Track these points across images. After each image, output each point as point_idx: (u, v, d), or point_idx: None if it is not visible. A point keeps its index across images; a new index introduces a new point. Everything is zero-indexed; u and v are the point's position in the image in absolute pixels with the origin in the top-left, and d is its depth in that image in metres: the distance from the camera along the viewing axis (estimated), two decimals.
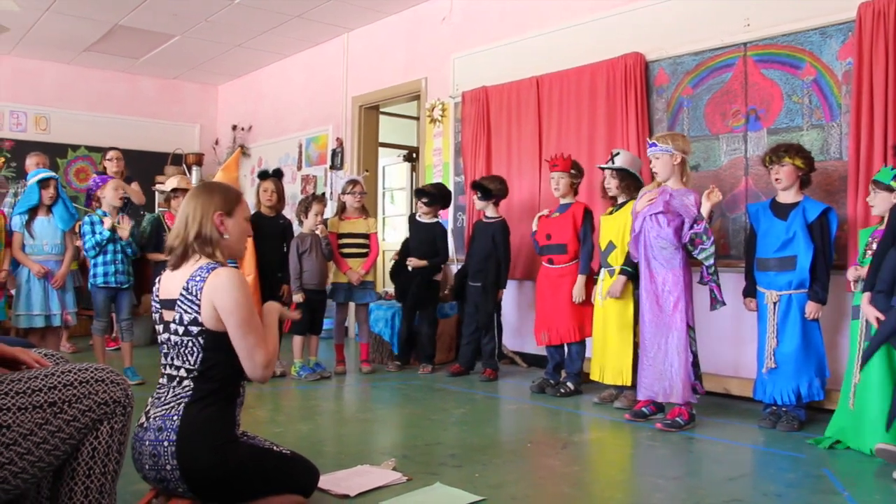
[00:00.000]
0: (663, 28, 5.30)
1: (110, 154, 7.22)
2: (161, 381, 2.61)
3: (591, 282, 5.11)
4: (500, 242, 5.67)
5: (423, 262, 5.94)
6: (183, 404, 2.48)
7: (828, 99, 4.49)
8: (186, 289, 2.50)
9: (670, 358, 4.12)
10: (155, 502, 2.58)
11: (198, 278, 2.50)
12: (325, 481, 2.93)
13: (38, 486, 2.23)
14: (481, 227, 5.80)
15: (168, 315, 2.56)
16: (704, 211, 4.06)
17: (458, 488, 2.99)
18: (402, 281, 6.18)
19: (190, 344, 2.50)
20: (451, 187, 6.86)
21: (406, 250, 6.13)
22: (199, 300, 2.48)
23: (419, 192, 6.23)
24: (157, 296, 2.65)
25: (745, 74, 4.85)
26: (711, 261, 4.11)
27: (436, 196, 6.10)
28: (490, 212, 5.76)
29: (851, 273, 3.88)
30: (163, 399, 2.54)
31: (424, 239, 6.04)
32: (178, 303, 2.51)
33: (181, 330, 2.51)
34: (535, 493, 3.04)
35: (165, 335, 2.58)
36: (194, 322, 2.49)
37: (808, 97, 4.57)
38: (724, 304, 4.22)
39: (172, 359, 2.55)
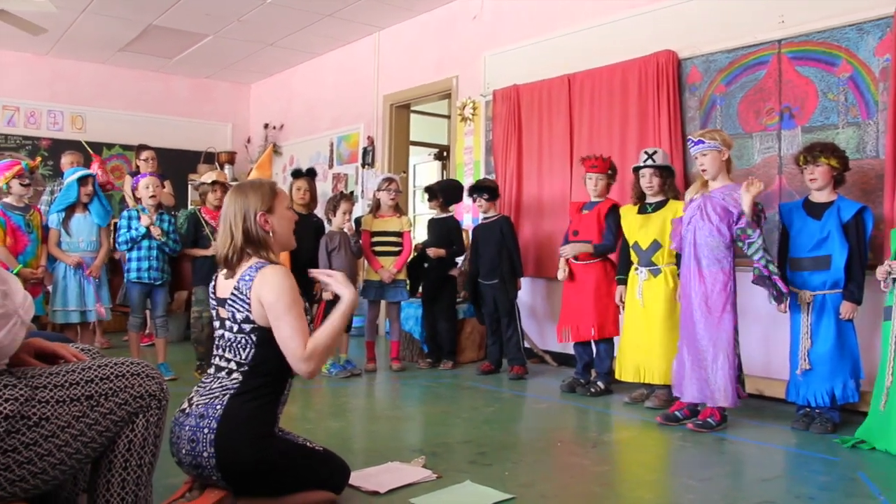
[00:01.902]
0: (696, 25, 5.25)
1: (144, 154, 7.31)
2: (209, 370, 2.70)
3: (612, 281, 5.07)
4: (509, 234, 5.79)
5: (442, 252, 6.03)
6: (228, 395, 2.54)
7: (864, 96, 4.42)
8: (237, 288, 2.57)
9: (720, 361, 4.02)
10: (189, 496, 2.61)
11: (247, 278, 2.57)
12: (355, 478, 2.95)
13: (75, 478, 2.28)
14: (484, 227, 5.90)
15: (223, 312, 2.64)
16: (745, 204, 3.95)
17: (488, 486, 2.99)
18: (417, 276, 6.29)
19: (243, 340, 2.57)
20: None
21: (423, 249, 6.22)
22: (249, 298, 2.54)
23: (425, 190, 6.46)
24: (214, 293, 2.72)
25: (779, 72, 4.79)
26: (761, 253, 3.95)
27: (434, 191, 6.30)
28: (491, 211, 5.88)
29: (881, 272, 3.71)
30: (208, 388, 2.60)
31: (439, 234, 6.19)
32: (230, 302, 2.59)
33: (235, 328, 2.58)
34: (565, 492, 3.03)
35: (220, 331, 2.66)
36: (247, 320, 2.56)
37: (844, 94, 4.50)
38: (788, 296, 4.03)
39: (224, 351, 2.62)
